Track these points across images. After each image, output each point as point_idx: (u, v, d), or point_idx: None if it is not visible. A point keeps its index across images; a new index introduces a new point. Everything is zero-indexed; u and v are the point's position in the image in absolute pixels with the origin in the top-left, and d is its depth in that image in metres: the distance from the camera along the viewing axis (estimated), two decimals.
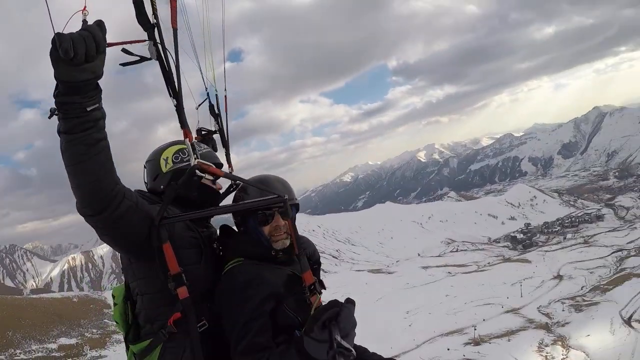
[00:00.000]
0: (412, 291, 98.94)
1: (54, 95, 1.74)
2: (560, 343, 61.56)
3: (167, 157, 2.62)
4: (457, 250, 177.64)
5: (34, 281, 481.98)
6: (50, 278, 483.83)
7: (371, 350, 2.66)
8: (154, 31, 2.09)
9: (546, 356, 58.88)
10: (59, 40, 1.54)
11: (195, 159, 2.25)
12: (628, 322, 63.95)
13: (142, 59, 2.09)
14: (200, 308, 2.32)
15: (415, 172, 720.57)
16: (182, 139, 2.41)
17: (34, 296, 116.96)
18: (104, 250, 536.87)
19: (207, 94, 3.31)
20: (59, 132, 1.81)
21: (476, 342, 66.34)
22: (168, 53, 2.17)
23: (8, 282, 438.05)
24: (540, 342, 62.91)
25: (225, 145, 3.49)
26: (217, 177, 2.48)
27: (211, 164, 2.35)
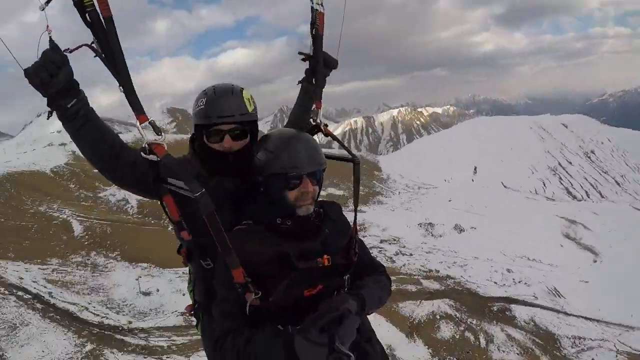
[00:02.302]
0: None
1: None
2: None
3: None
4: None
5: (317, 137, 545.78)
6: None
7: None
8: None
9: None
10: (28, 78, 1.92)
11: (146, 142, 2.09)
12: None
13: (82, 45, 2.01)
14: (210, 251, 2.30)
15: None
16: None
17: None
18: (384, 117, 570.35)
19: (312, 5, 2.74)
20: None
21: None
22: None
23: None
24: None
25: (315, 75, 2.88)
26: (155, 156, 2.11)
27: (159, 143, 2.07)
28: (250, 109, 2.33)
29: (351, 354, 1.72)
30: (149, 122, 2.01)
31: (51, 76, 1.92)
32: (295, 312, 2.04)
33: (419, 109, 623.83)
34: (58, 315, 26.96)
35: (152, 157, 2.05)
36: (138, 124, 1.99)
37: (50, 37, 1.91)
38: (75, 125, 2.10)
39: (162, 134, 2.04)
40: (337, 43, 2.85)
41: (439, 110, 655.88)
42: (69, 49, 1.96)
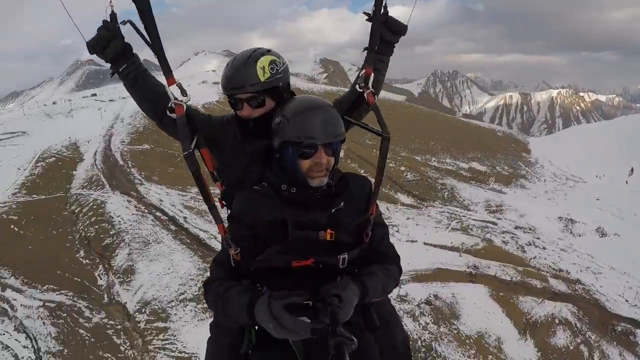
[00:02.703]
0: None
1: None
2: None
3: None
4: None
5: (469, 107, 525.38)
6: (484, 109, 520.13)
7: None
8: None
9: None
10: (88, 50, 2.28)
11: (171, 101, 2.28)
12: None
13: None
14: None
15: None
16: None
17: (464, 119, 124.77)
18: (542, 97, 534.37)
19: None
20: None
21: None
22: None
23: (445, 102, 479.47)
24: None
25: (370, 36, 2.54)
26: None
27: (181, 103, 2.22)
28: (263, 77, 2.36)
29: (354, 338, 1.64)
30: (176, 84, 2.19)
31: (103, 48, 2.28)
32: (282, 280, 2.05)
33: (581, 94, 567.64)
34: (188, 239, 29.80)
35: (173, 116, 2.21)
36: (167, 85, 2.20)
37: (112, 11, 2.16)
38: (127, 84, 2.49)
39: (187, 95, 2.21)
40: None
41: (602, 98, 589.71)
42: (124, 21, 2.18)
